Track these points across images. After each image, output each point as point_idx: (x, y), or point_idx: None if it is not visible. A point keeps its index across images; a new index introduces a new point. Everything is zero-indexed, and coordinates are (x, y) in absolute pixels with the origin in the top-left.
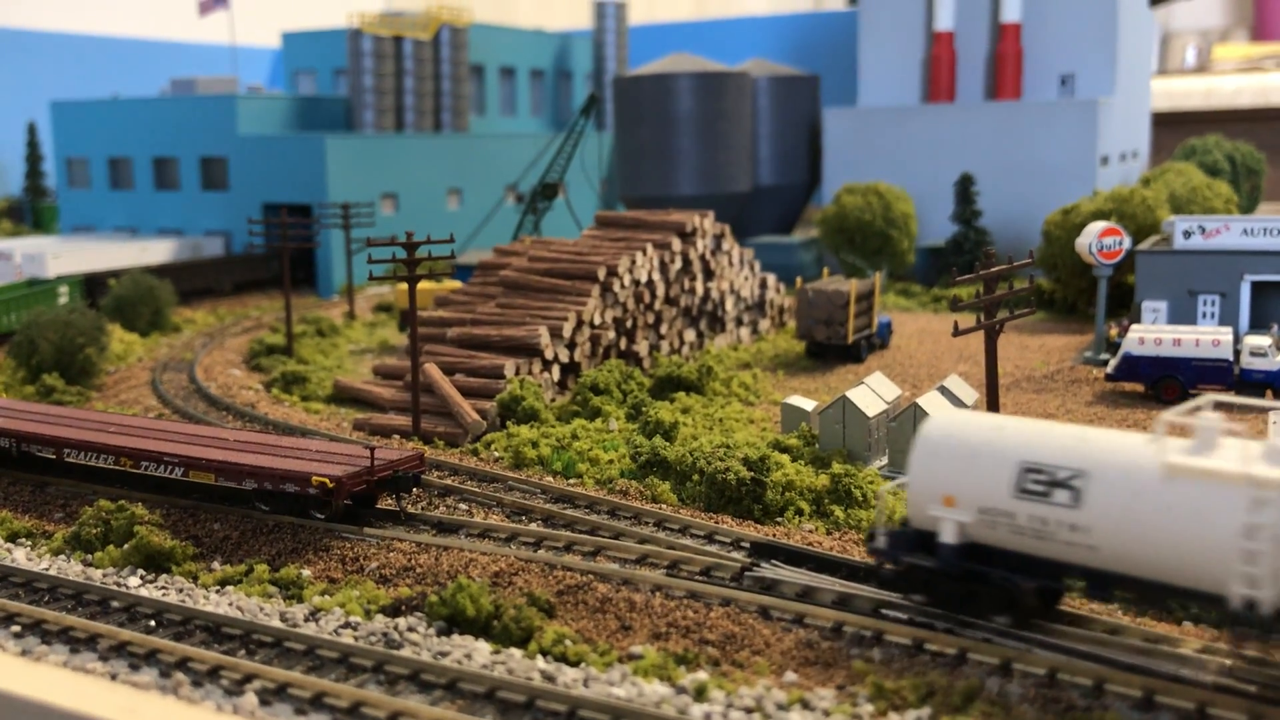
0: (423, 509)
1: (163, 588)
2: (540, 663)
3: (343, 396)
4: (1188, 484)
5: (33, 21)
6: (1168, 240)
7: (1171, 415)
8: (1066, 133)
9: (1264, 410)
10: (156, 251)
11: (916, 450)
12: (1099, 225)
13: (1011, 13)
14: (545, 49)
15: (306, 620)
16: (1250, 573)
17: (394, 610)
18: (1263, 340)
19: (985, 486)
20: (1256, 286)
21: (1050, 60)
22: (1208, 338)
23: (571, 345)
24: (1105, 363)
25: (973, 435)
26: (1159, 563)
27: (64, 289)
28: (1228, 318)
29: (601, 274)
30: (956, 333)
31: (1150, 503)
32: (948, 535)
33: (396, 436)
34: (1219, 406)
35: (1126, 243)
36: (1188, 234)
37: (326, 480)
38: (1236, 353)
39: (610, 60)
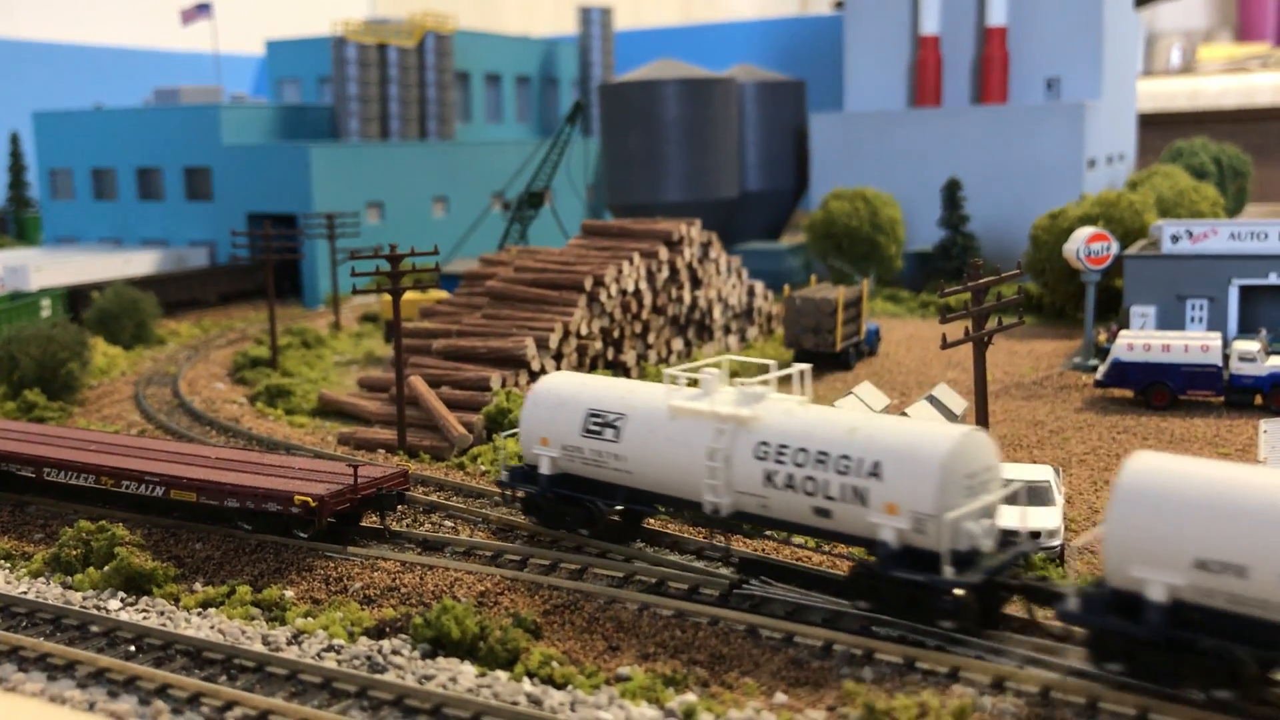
0: (407, 526)
1: (144, 611)
2: (527, 685)
3: (328, 410)
4: (682, 421)
5: (14, 31)
6: (1155, 245)
7: (675, 370)
8: (1053, 136)
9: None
10: (140, 263)
11: (525, 402)
12: (1086, 231)
13: (997, 16)
14: (531, 55)
15: (289, 644)
16: (712, 484)
17: (378, 632)
18: (1251, 345)
19: (566, 428)
20: (1245, 291)
21: (1036, 64)
22: (1196, 343)
23: (558, 356)
24: (1094, 368)
25: (562, 389)
26: (669, 482)
27: (46, 302)
28: (1216, 322)
29: (588, 284)
30: (945, 345)
31: (661, 435)
32: (544, 467)
33: (382, 451)
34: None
35: (1114, 248)
36: (1175, 238)
37: (309, 499)
38: (1225, 358)
39: (596, 66)
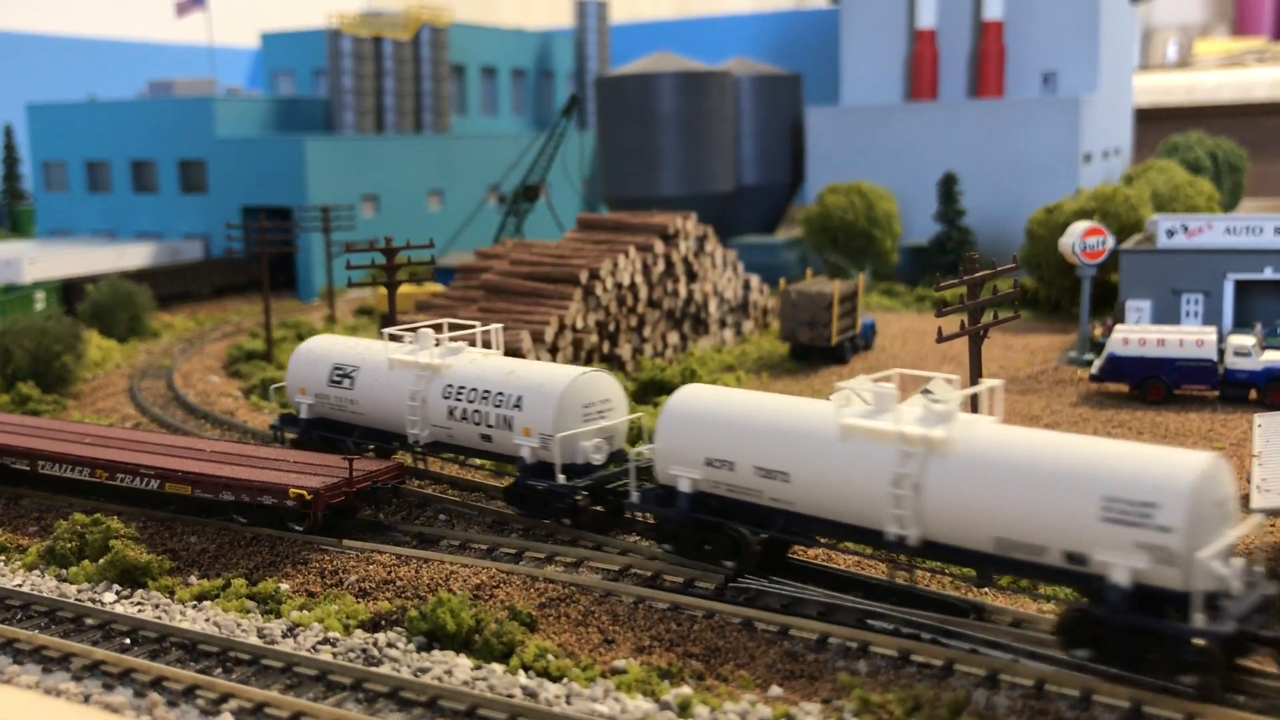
0: (402, 519)
1: (139, 604)
2: (522, 678)
3: None
4: (398, 371)
5: (7, 23)
6: (1151, 239)
7: (392, 329)
8: (1049, 130)
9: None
10: (134, 256)
11: (290, 359)
12: (1082, 225)
13: (993, 10)
14: (526, 48)
15: (284, 636)
16: (412, 419)
17: (373, 625)
18: (1246, 340)
19: (318, 380)
20: (1240, 285)
21: (1032, 58)
22: (1192, 338)
23: (554, 349)
24: (1089, 363)
25: (316, 349)
26: (388, 418)
27: (41, 295)
28: (1211, 317)
29: (584, 277)
30: (940, 339)
31: (381, 382)
32: (303, 412)
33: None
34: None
35: (1110, 242)
36: (1171, 233)
37: (304, 492)
38: (1220, 352)
39: (592, 59)
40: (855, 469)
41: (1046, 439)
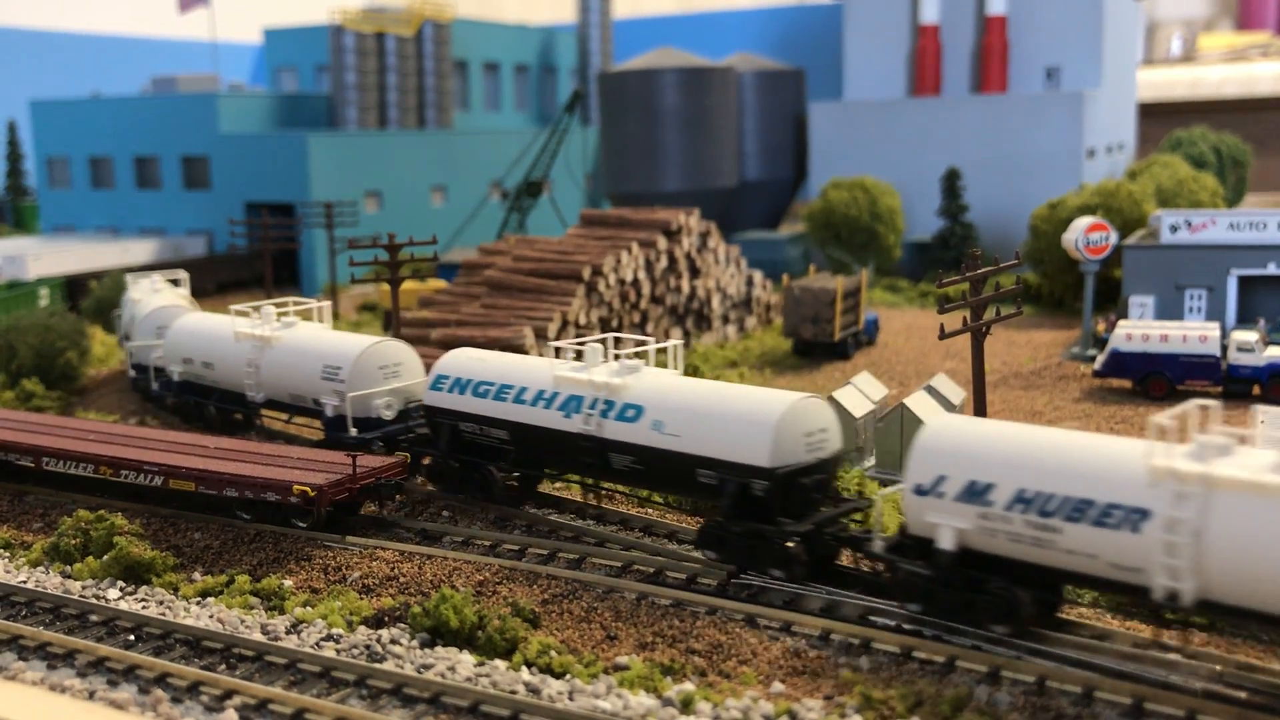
0: (405, 515)
1: (143, 600)
2: (525, 674)
3: None
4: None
5: (11, 19)
6: (1154, 235)
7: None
8: (1053, 126)
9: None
10: (138, 252)
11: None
12: (1085, 220)
13: (997, 5)
14: (529, 44)
15: (288, 633)
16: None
17: (377, 622)
18: (1250, 335)
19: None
20: (1243, 281)
21: (1036, 53)
22: (1195, 333)
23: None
24: (1092, 359)
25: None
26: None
27: (44, 291)
28: (1215, 312)
29: (586, 273)
30: (943, 335)
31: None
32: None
33: None
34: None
35: (1113, 238)
36: (1174, 228)
37: (308, 489)
38: (1224, 348)
39: (595, 55)
40: (234, 357)
41: (329, 338)
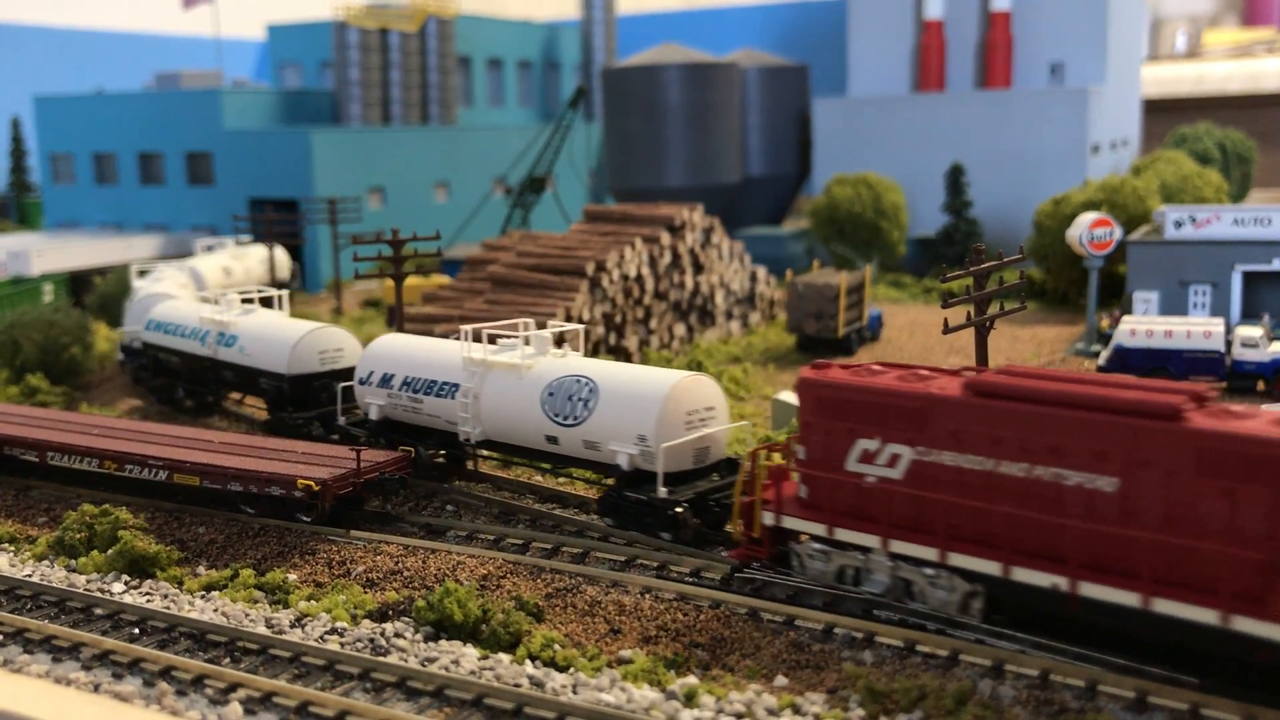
0: (409, 510)
1: (147, 594)
2: (529, 668)
3: None
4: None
5: (14, 15)
6: (1159, 230)
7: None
8: (1057, 121)
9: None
10: (142, 248)
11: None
12: (1090, 216)
13: (1001, 1)
14: (533, 40)
15: (292, 626)
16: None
17: (381, 615)
18: (1254, 331)
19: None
20: (1248, 277)
21: (1040, 48)
22: (1199, 329)
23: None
24: (1096, 354)
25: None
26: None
27: (49, 287)
28: (1219, 308)
29: (590, 269)
30: (946, 330)
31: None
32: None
33: None
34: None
35: (1117, 233)
36: (1179, 224)
37: (312, 483)
38: (1228, 344)
39: (599, 51)
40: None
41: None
